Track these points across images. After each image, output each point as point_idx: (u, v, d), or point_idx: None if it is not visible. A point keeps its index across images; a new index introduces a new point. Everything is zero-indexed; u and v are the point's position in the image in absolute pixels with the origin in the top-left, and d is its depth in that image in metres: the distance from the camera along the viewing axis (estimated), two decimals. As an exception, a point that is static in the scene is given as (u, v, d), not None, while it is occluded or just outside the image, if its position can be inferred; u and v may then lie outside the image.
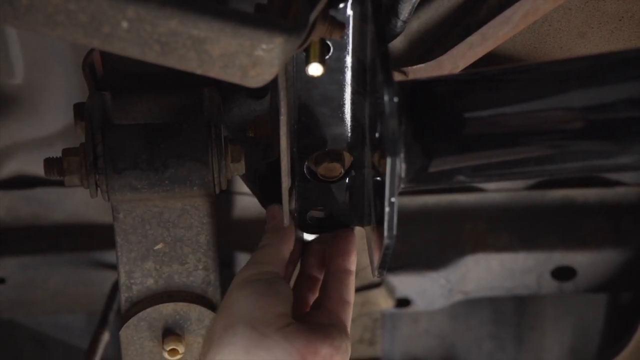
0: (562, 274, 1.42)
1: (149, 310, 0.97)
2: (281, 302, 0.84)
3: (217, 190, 0.93)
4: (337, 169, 0.87)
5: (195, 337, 0.99)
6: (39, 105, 1.24)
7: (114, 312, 1.25)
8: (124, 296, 0.98)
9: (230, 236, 1.35)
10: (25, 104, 1.23)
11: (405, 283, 1.41)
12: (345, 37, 0.81)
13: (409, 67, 0.98)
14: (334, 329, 0.85)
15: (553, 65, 0.81)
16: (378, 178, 0.81)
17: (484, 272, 1.41)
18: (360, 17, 0.80)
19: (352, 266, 0.90)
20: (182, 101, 0.96)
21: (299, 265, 0.96)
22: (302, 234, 0.95)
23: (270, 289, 0.85)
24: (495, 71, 0.82)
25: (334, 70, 0.82)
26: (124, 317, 0.98)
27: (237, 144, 0.93)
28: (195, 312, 0.98)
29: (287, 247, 0.90)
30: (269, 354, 0.80)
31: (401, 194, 0.83)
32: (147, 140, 0.91)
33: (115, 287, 1.28)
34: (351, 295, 0.90)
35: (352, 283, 0.90)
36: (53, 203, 1.33)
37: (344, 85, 0.83)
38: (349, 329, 0.88)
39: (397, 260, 1.38)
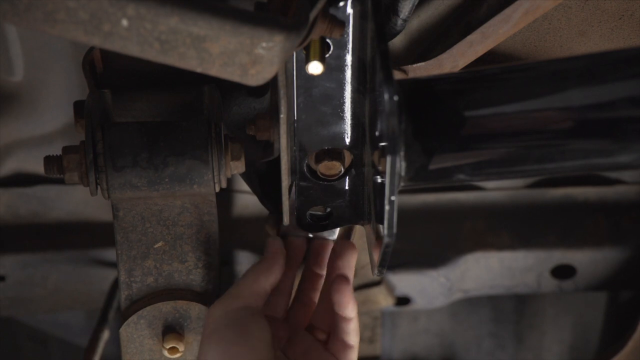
0: (562, 272, 1.42)
1: (148, 308, 0.97)
2: (251, 349, 0.83)
3: (217, 189, 0.93)
4: (337, 167, 0.87)
5: (195, 336, 0.99)
6: (38, 103, 1.24)
7: (113, 310, 1.25)
8: (124, 294, 0.98)
9: (230, 234, 1.35)
10: (25, 102, 1.23)
11: (405, 281, 1.41)
12: (345, 36, 0.81)
13: (409, 66, 0.98)
14: None
15: (553, 64, 0.81)
16: (378, 176, 0.81)
17: (484, 271, 1.41)
18: (360, 16, 0.80)
19: (353, 312, 0.89)
20: (182, 99, 0.96)
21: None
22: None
23: (239, 336, 0.84)
24: (495, 69, 0.82)
25: (334, 69, 0.82)
26: (124, 315, 0.98)
27: (237, 142, 0.93)
28: (195, 310, 0.98)
29: (268, 278, 0.89)
30: None
31: (401, 192, 0.83)
32: (147, 139, 0.91)
33: (115, 285, 1.28)
34: (355, 339, 0.89)
35: (356, 328, 0.89)
36: (53, 201, 1.33)
37: (344, 83, 0.83)
38: None
39: (396, 258, 1.38)
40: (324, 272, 0.94)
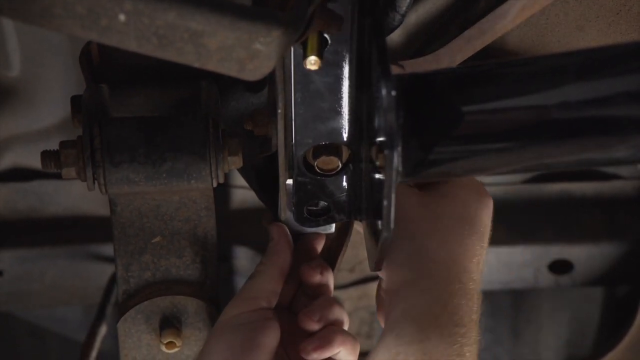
0: (559, 267, 1.43)
1: (146, 303, 0.97)
2: (258, 357, 0.83)
3: (215, 184, 0.93)
4: (335, 162, 0.87)
5: (192, 330, 0.99)
6: (36, 97, 1.24)
7: (111, 305, 1.25)
8: (121, 289, 0.98)
9: (228, 229, 1.35)
10: (22, 97, 1.23)
11: (402, 276, 1.41)
12: (343, 31, 0.80)
13: (407, 61, 0.98)
14: None
15: (551, 59, 0.81)
16: (376, 172, 0.81)
17: (481, 266, 1.41)
18: (358, 11, 0.80)
19: (335, 350, 0.87)
20: (180, 94, 0.96)
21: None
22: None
23: (248, 341, 0.83)
24: (492, 65, 0.82)
25: (331, 64, 0.82)
26: (121, 309, 0.98)
27: (234, 137, 0.93)
28: (192, 305, 0.98)
29: (282, 273, 0.90)
30: None
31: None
32: (144, 134, 0.90)
33: (113, 280, 1.28)
34: (351, 357, 0.88)
35: (349, 351, 0.87)
36: (50, 196, 1.33)
37: (342, 78, 0.83)
38: None
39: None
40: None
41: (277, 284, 0.89)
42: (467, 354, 0.81)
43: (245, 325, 0.85)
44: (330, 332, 0.87)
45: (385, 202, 0.75)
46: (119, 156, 0.90)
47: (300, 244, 0.94)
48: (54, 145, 0.94)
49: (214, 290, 0.99)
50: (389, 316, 0.83)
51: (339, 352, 0.87)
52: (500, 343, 1.68)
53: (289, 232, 0.92)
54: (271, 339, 0.85)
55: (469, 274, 0.84)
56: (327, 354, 0.87)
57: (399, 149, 0.75)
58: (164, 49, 0.66)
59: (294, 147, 0.87)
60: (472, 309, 0.83)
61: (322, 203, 0.91)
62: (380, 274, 0.86)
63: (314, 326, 0.87)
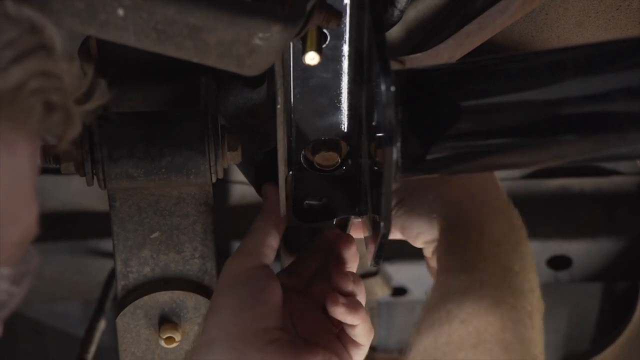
0: (558, 263, 1.43)
1: (145, 298, 0.97)
2: (265, 315, 0.83)
3: (214, 179, 0.93)
4: (334, 158, 0.87)
5: (191, 326, 0.99)
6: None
7: (110, 300, 1.25)
8: (120, 284, 0.98)
9: (227, 225, 1.35)
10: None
11: (402, 272, 1.41)
12: (342, 26, 0.80)
13: (406, 56, 0.98)
14: (322, 350, 0.84)
15: (550, 55, 0.81)
16: (375, 167, 0.81)
17: (480, 261, 1.41)
18: (357, 6, 0.80)
19: (356, 320, 0.87)
20: (179, 90, 0.96)
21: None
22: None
23: (254, 298, 0.83)
24: (492, 60, 0.82)
25: (330, 59, 0.82)
26: (120, 305, 0.98)
27: (233, 132, 0.93)
28: (191, 301, 0.98)
29: (278, 230, 0.90)
30: None
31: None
32: (143, 129, 0.90)
33: (112, 275, 1.28)
34: (364, 339, 0.89)
35: (363, 331, 0.88)
36: (49, 191, 1.33)
37: (341, 74, 0.83)
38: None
39: (393, 249, 1.38)
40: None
41: (274, 240, 0.89)
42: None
43: (250, 283, 0.85)
44: (358, 302, 0.88)
45: (384, 198, 0.75)
46: (118, 151, 0.90)
47: (319, 239, 0.94)
48: (53, 140, 0.94)
49: (213, 286, 0.99)
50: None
51: (358, 325, 0.87)
52: (499, 338, 1.68)
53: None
54: (276, 297, 0.85)
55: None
56: (349, 318, 0.86)
57: (398, 144, 0.75)
58: (163, 44, 0.66)
59: (293, 143, 0.87)
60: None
61: (321, 198, 0.91)
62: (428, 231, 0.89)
63: (348, 285, 0.88)
